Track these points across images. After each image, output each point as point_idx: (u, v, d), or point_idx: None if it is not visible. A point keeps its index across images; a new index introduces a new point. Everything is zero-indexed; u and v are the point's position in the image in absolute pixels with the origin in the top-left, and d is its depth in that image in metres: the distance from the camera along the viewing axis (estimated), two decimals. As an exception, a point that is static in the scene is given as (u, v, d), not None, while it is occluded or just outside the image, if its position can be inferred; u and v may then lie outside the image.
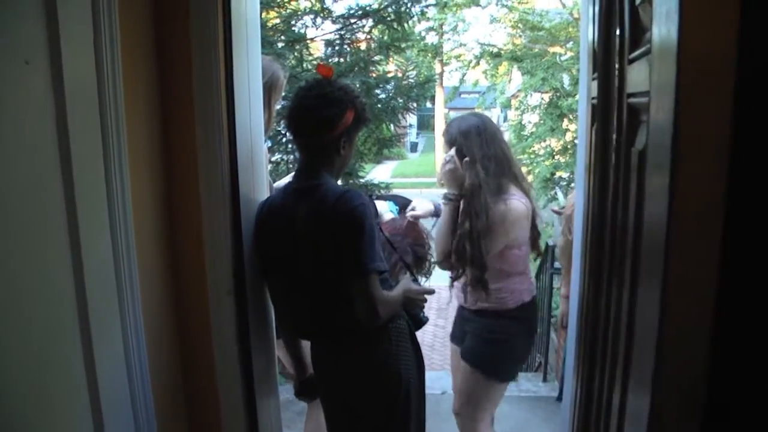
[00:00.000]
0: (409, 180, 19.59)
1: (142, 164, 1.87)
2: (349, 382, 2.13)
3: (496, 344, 2.62)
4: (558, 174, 9.80)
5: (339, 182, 2.24)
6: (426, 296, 2.26)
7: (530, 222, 2.53)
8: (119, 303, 1.67)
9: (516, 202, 2.48)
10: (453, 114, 18.64)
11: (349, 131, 2.04)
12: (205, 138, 1.96)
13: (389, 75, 6.14)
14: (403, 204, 3.46)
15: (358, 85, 5.05)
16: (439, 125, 21.45)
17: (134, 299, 1.72)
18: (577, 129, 2.29)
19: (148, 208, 1.94)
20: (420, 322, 2.26)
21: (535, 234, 2.59)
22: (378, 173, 19.37)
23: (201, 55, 1.94)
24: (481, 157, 2.49)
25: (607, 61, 1.35)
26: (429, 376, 4.31)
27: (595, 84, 1.61)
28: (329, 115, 1.98)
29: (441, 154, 19.75)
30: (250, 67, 2.14)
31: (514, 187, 2.52)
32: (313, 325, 2.14)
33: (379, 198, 3.49)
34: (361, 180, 6.15)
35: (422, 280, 3.08)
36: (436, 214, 2.98)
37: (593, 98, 1.68)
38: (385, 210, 3.34)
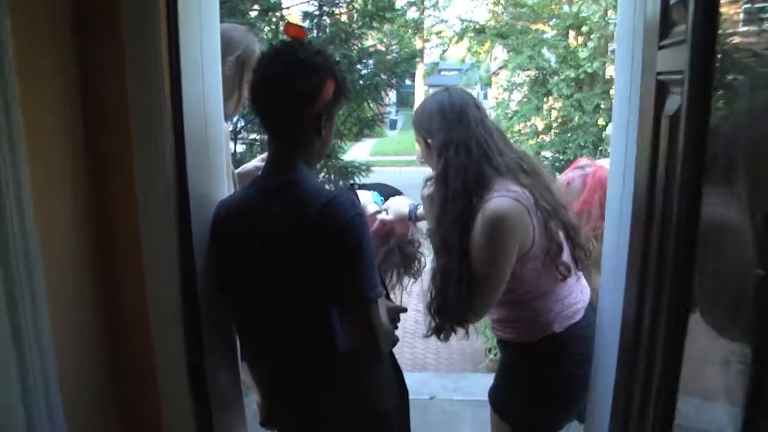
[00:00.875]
0: (389, 158, 19.04)
1: (54, 172, 1.46)
2: (319, 419, 1.69)
3: (513, 383, 2.06)
4: (543, 153, 9.40)
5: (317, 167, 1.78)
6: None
7: (536, 224, 1.80)
8: (15, 343, 1.21)
9: (498, 200, 1.77)
10: (433, 91, 18.05)
11: (329, 107, 1.57)
12: (143, 125, 1.49)
13: (371, 49, 5.59)
14: (389, 194, 3.00)
15: (338, 60, 4.52)
16: (419, 102, 20.68)
17: (39, 338, 1.26)
18: (612, 111, 1.78)
19: (66, 221, 1.51)
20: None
21: (552, 242, 1.83)
22: (357, 152, 18.83)
23: (136, 29, 1.47)
24: (441, 144, 1.87)
25: (712, 13, 0.90)
26: (415, 378, 3.89)
27: (668, 53, 1.16)
28: (307, 88, 1.50)
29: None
30: (205, 40, 1.67)
31: (503, 181, 1.82)
32: (280, 351, 1.69)
33: (362, 187, 3.03)
34: (341, 161, 5.64)
35: (410, 282, 2.66)
36: (410, 218, 2.46)
37: (660, 73, 1.23)
38: (369, 201, 2.89)
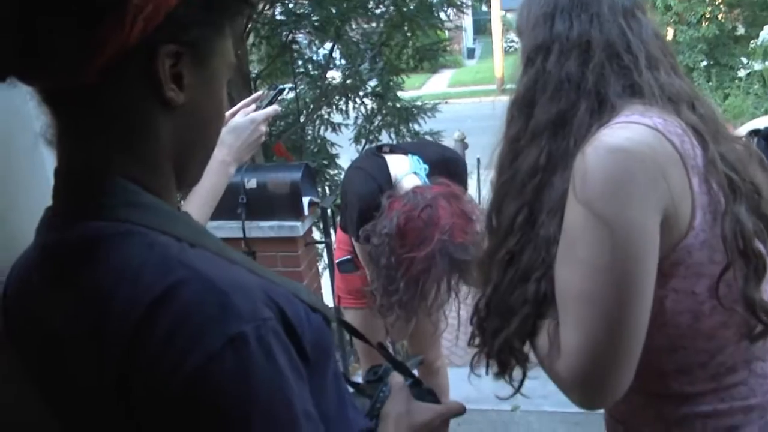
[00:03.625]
0: (468, 89, 17.65)
1: None
2: None
3: None
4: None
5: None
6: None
7: (700, 192, 0.80)
8: None
9: (621, 128, 0.81)
10: (510, 17, 16.29)
11: (185, 26, 0.54)
12: None
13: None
14: (437, 159, 1.97)
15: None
16: (497, 29, 18.77)
17: None
18: None
19: None
20: None
21: (741, 248, 0.79)
22: (433, 85, 17.50)
23: None
24: (535, 47, 0.91)
25: None
26: (497, 383, 2.92)
27: None
28: None
29: (501, 59, 17.48)
30: None
31: (641, 107, 0.84)
32: None
33: (394, 150, 2.01)
34: (402, 101, 4.51)
35: (470, 291, 1.72)
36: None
37: None
38: (405, 172, 1.89)
